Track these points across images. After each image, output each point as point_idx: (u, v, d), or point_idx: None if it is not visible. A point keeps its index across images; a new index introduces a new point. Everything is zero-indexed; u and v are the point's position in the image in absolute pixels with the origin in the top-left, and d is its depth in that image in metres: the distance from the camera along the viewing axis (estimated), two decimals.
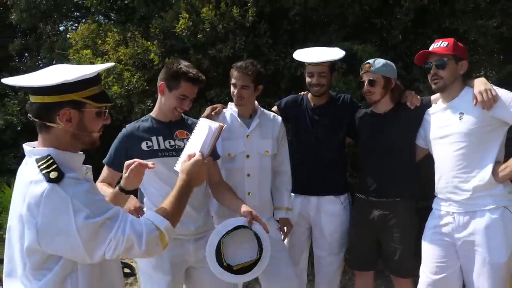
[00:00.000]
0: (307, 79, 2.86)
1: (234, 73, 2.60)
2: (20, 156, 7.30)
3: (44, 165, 1.39)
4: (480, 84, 2.36)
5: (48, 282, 1.40)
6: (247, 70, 2.55)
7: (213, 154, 2.45)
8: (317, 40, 4.02)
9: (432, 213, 2.59)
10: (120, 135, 2.33)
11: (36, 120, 1.45)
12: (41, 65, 6.54)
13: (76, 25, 6.26)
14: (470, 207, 2.38)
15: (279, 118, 2.83)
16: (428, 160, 2.69)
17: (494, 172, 2.33)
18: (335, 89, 3.78)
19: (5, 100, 7.15)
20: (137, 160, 1.83)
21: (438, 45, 2.49)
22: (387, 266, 2.80)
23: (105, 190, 2.09)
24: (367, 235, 2.77)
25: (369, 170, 2.79)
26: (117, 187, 1.86)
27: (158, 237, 1.48)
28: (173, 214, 1.56)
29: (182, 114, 2.42)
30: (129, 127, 2.35)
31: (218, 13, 3.94)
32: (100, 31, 4.93)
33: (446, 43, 2.47)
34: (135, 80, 4.32)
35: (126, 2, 4.75)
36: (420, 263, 2.60)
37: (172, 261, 2.28)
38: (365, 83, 2.70)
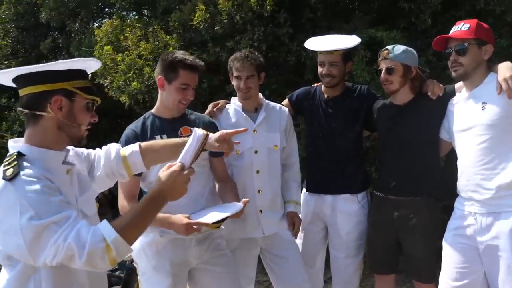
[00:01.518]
0: (319, 69, 2.72)
1: (235, 65, 2.51)
2: None
3: (7, 162, 1.40)
4: (505, 69, 2.13)
5: (14, 277, 1.40)
6: (249, 59, 2.48)
7: None
8: (340, 27, 3.88)
9: (454, 212, 2.40)
10: (124, 137, 2.27)
11: (26, 110, 1.47)
12: None
13: (103, 22, 6.33)
14: (494, 208, 2.18)
15: (286, 109, 2.74)
16: (455, 155, 2.50)
17: None
18: (359, 79, 3.64)
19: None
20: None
21: (459, 28, 2.30)
22: (409, 270, 2.64)
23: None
24: (386, 236, 2.62)
25: (388, 166, 2.65)
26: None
27: (104, 250, 1.34)
28: (130, 227, 1.40)
29: (186, 109, 2.36)
30: (132, 126, 2.31)
31: (235, 4, 3.87)
32: (124, 27, 4.97)
33: (468, 25, 2.27)
34: (155, 75, 4.31)
35: None
36: None
37: (173, 262, 2.24)
38: (383, 71, 2.52)
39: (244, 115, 2.58)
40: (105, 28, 5.07)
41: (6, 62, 7.94)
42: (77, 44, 6.28)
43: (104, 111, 7.13)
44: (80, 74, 1.53)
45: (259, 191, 2.56)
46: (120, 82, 4.46)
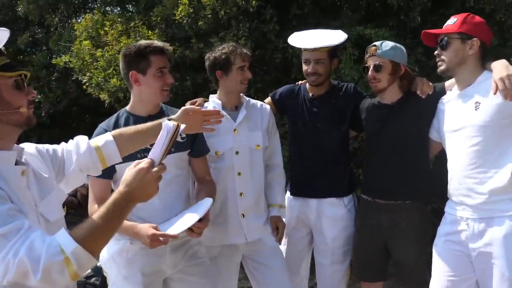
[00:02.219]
0: (303, 67, 2.61)
1: (243, 56, 2.45)
2: None
3: None
4: (501, 68, 2.01)
5: None
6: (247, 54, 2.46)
7: (199, 149, 2.28)
8: (328, 24, 3.79)
9: (444, 217, 2.31)
10: (94, 136, 2.09)
11: None
12: (49, 58, 6.49)
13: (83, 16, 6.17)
14: (487, 213, 2.09)
15: (268, 106, 2.64)
16: (444, 156, 2.42)
17: None
18: (347, 78, 3.56)
19: None
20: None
21: (448, 22, 2.21)
22: (398, 276, 2.56)
23: None
24: (374, 242, 2.53)
25: (375, 168, 2.55)
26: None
27: (63, 264, 1.16)
28: (92, 235, 1.23)
29: (162, 105, 2.24)
30: (103, 125, 2.17)
31: None
32: (104, 21, 4.82)
33: (456, 19, 2.16)
34: (123, 75, 4.19)
35: None
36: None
37: (144, 271, 2.11)
38: (370, 69, 2.43)
39: (224, 113, 2.47)
40: (85, 22, 4.93)
41: None
42: (56, 39, 6.12)
43: (86, 108, 7.03)
44: None
45: (241, 194, 2.45)
46: (100, 79, 4.32)
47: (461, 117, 2.17)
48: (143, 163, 1.32)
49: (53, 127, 6.92)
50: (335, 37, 2.57)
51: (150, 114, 2.17)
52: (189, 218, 1.94)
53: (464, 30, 2.12)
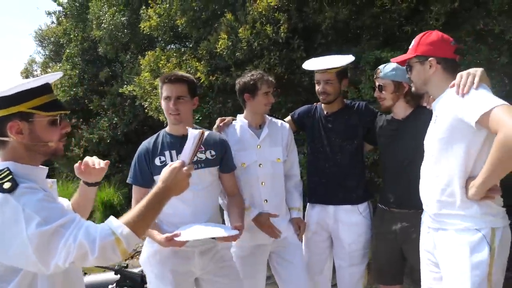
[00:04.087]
0: (316, 87, 2.52)
1: (268, 83, 2.40)
2: (111, 164, 7.66)
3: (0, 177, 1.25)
4: (465, 71, 1.75)
5: None
6: (272, 82, 2.42)
7: (228, 165, 2.22)
8: (349, 51, 3.64)
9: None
10: (137, 152, 2.13)
11: None
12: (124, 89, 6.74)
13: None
14: (438, 224, 1.83)
15: (287, 125, 2.55)
16: None
17: (466, 188, 1.73)
18: (366, 96, 3.40)
19: (97, 118, 7.49)
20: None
21: (410, 46, 1.94)
22: (412, 280, 2.32)
23: None
24: (390, 248, 2.33)
25: (389, 179, 2.37)
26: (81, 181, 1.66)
27: (114, 243, 1.21)
28: (137, 221, 1.28)
29: (194, 125, 2.19)
30: (145, 143, 2.16)
31: (253, 32, 3.72)
32: (163, 56, 4.93)
33: (413, 42, 1.92)
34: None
35: (181, 30, 4.66)
36: None
37: (174, 271, 2.05)
38: (376, 89, 2.33)
39: (250, 131, 2.40)
40: (148, 58, 5.05)
41: (74, 89, 8.17)
42: (127, 72, 6.35)
43: (152, 128, 7.22)
44: (37, 92, 1.31)
45: (265, 200, 2.36)
46: (158, 103, 4.39)
47: (429, 130, 1.94)
48: (176, 163, 1.41)
49: (127, 143, 7.22)
50: (342, 60, 2.46)
51: (183, 134, 2.13)
52: (204, 232, 1.89)
53: (420, 52, 1.87)
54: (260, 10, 3.72)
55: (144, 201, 1.31)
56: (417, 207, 2.12)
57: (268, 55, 3.70)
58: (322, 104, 2.59)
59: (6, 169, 1.26)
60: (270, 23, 3.70)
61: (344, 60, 2.45)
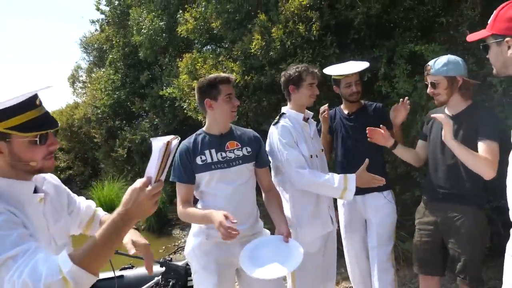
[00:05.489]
0: (346, 90, 2.73)
1: (313, 75, 2.45)
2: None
3: None
4: None
5: None
6: (317, 74, 2.50)
7: (262, 160, 2.28)
8: (382, 45, 3.62)
9: None
10: (178, 151, 2.18)
11: None
12: (163, 89, 6.97)
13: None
14: None
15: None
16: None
17: None
18: (400, 91, 3.36)
19: (139, 120, 7.79)
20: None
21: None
22: (453, 269, 2.30)
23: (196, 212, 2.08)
24: (431, 238, 2.35)
25: (435, 172, 2.35)
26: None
27: (61, 282, 1.05)
28: (89, 254, 1.10)
29: (231, 125, 2.27)
30: (185, 142, 2.23)
31: (286, 31, 3.77)
32: (200, 58, 5.07)
33: (491, 17, 1.63)
34: (198, 103, 4.35)
35: (216, 32, 4.78)
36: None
37: (218, 262, 2.15)
38: (429, 86, 2.29)
39: (302, 123, 2.48)
40: (185, 60, 5.21)
41: (117, 93, 8.54)
42: (167, 75, 6.56)
43: (192, 127, 7.43)
44: (14, 110, 1.17)
45: None
46: (196, 104, 4.52)
47: None
48: (137, 182, 1.18)
49: None
50: (362, 63, 2.68)
51: (221, 132, 2.22)
52: (278, 270, 1.89)
53: (496, 30, 1.61)
54: (292, 9, 3.77)
55: (100, 231, 1.13)
56: (460, 202, 2.16)
57: (301, 53, 3.74)
58: (342, 106, 2.85)
59: None
60: (303, 21, 3.74)
61: (364, 63, 2.68)
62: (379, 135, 2.45)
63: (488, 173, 2.00)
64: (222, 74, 2.17)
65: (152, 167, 1.18)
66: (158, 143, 1.19)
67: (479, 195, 2.20)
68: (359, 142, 2.66)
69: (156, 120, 7.36)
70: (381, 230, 2.66)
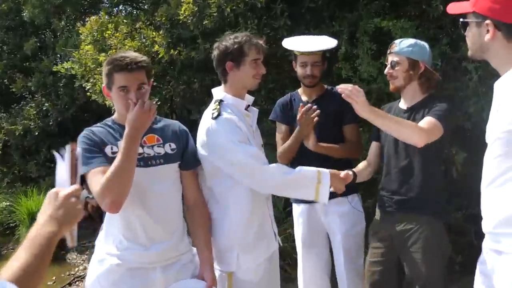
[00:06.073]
0: (300, 70, 2.85)
1: (258, 48, 2.33)
2: (41, 164, 7.61)
3: None
4: None
5: None
6: (262, 46, 2.39)
7: (188, 161, 2.24)
8: (343, 17, 3.81)
9: None
10: (81, 137, 2.05)
11: None
12: (57, 63, 6.71)
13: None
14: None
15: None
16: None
17: None
18: (363, 75, 3.58)
19: (21, 104, 7.44)
20: None
21: None
22: None
23: None
24: (385, 257, 2.55)
25: (387, 176, 2.57)
26: None
27: None
28: (23, 274, 1.13)
29: (156, 116, 2.26)
30: (90, 127, 2.11)
31: None
32: (109, 23, 4.95)
33: None
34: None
35: None
36: None
37: None
38: (388, 66, 2.52)
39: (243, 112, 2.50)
40: (90, 25, 5.06)
41: None
42: (62, 44, 6.35)
43: (97, 115, 7.20)
44: None
45: None
46: (104, 84, 4.43)
47: (490, 119, 1.83)
48: (47, 196, 1.28)
49: (62, 135, 7.18)
50: (329, 41, 2.85)
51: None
52: None
53: (478, 9, 1.72)
54: None
55: (33, 248, 1.16)
56: (417, 210, 2.39)
57: (244, 23, 3.82)
58: (300, 91, 2.95)
59: None
60: None
61: (331, 42, 2.81)
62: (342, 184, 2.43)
63: (416, 140, 2.20)
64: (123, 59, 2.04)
65: (62, 175, 1.33)
66: (62, 153, 1.36)
67: (437, 200, 2.42)
68: (319, 136, 2.67)
69: (46, 104, 7.09)
70: (347, 244, 2.80)
